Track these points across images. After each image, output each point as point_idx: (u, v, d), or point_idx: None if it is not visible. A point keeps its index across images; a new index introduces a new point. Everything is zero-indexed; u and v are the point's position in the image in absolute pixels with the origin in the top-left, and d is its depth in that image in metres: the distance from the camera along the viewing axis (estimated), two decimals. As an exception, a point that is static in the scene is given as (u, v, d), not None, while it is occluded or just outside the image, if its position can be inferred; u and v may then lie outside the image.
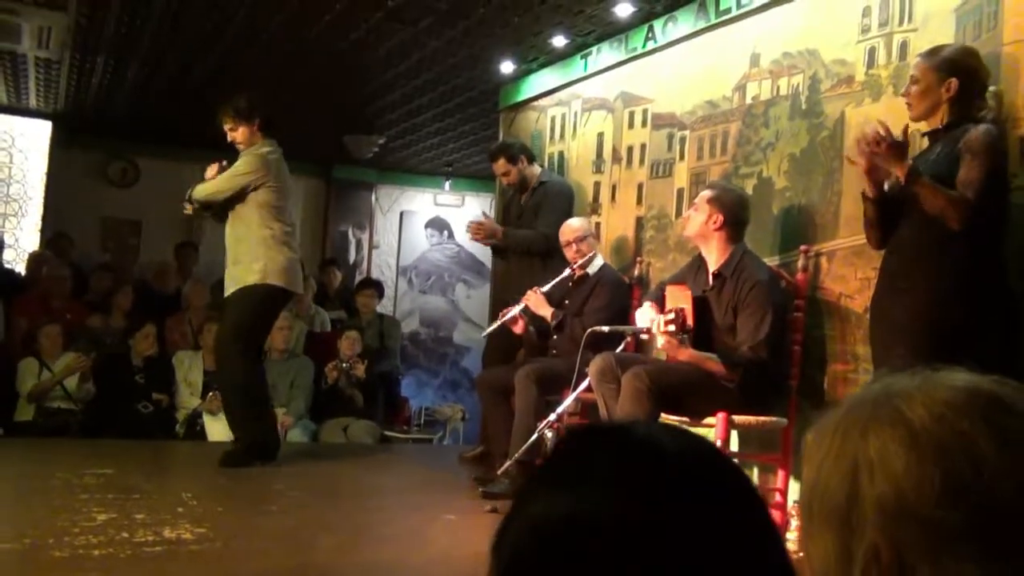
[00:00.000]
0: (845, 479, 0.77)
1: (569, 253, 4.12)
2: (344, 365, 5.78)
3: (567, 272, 4.11)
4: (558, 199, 4.53)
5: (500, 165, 4.66)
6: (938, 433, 0.73)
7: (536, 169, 4.73)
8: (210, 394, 5.41)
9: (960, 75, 2.58)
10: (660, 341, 3.18)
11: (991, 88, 2.66)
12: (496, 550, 0.62)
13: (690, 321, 3.18)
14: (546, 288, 4.10)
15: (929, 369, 0.81)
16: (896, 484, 0.73)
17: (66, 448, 4.53)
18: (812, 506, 0.81)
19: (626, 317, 3.99)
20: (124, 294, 6.16)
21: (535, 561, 0.59)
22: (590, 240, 4.17)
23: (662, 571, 0.57)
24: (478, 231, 4.57)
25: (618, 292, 4.11)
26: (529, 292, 4.11)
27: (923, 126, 2.70)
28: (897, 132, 2.54)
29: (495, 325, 4.32)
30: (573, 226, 4.16)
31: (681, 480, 0.61)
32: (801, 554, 0.85)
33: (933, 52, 2.66)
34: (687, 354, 3.12)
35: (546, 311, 4.08)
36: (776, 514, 3.18)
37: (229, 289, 4.16)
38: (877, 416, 0.77)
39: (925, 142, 2.72)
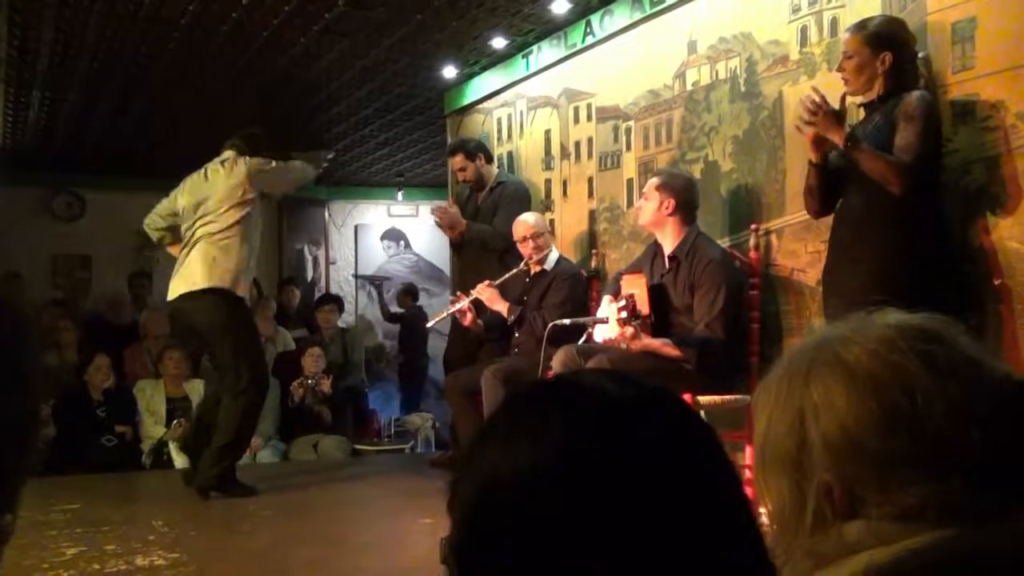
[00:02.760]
0: (793, 425, 0.80)
1: (525, 250, 4.10)
2: (309, 382, 5.75)
3: (521, 267, 4.10)
4: (516, 200, 4.54)
5: (457, 161, 4.66)
6: (873, 368, 0.76)
7: (494, 169, 4.74)
8: (175, 422, 5.34)
9: (894, 48, 2.64)
10: (615, 330, 3.21)
11: (920, 55, 2.74)
12: (451, 508, 0.64)
13: (643, 307, 3.21)
14: (498, 282, 4.10)
15: (864, 314, 0.84)
16: (839, 421, 0.76)
17: (30, 487, 4.40)
18: (764, 454, 0.84)
19: (584, 309, 4.02)
20: (67, 329, 6.02)
21: (486, 517, 0.60)
22: (546, 236, 4.17)
23: (616, 519, 0.57)
24: (443, 216, 4.56)
25: (576, 285, 4.12)
26: (481, 286, 4.10)
27: (859, 97, 2.76)
28: (833, 101, 2.60)
29: (439, 318, 4.32)
30: (528, 222, 4.15)
31: (629, 427, 0.61)
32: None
33: (862, 25, 2.72)
34: (641, 344, 3.15)
35: (501, 306, 4.08)
36: (747, 490, 3.22)
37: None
38: (817, 362, 0.80)
39: (862, 113, 2.79)
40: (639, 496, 0.58)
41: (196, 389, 5.56)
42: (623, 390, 0.64)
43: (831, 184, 2.75)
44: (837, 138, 2.55)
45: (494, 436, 0.64)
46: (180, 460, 5.19)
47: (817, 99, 2.55)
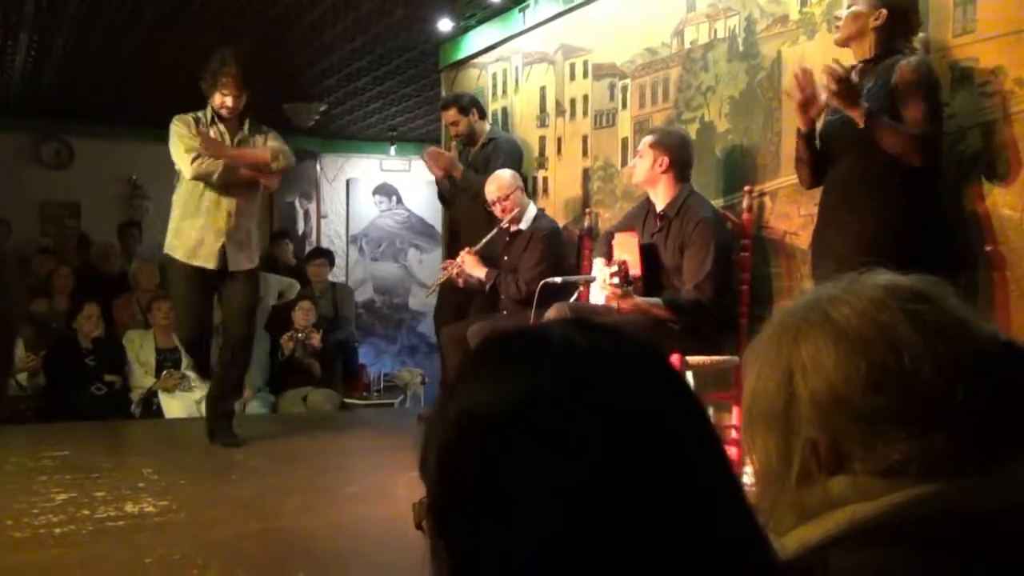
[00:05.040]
0: (781, 383, 0.81)
1: (496, 212, 4.10)
2: (299, 336, 5.75)
3: (495, 231, 4.08)
4: (507, 156, 4.52)
5: (450, 115, 4.63)
6: (862, 327, 0.76)
7: (486, 125, 4.72)
8: (164, 372, 5.35)
9: (890, 8, 2.63)
10: (607, 292, 3.21)
11: (921, 35, 2.72)
12: (424, 464, 0.64)
13: (635, 270, 3.22)
14: (477, 248, 4.10)
15: (855, 274, 0.85)
16: (827, 379, 0.77)
17: (20, 434, 4.45)
18: (752, 411, 0.85)
19: (563, 267, 4.01)
20: (62, 276, 6.03)
21: (460, 454, 0.61)
22: (514, 196, 4.10)
23: (575, 455, 0.58)
24: (438, 158, 4.52)
25: (552, 244, 4.07)
26: (462, 254, 4.11)
27: (851, 57, 2.74)
28: (852, 74, 2.59)
29: (435, 285, 4.33)
30: (499, 183, 4.11)
31: (590, 372, 0.61)
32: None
33: None
34: (632, 304, 3.16)
35: (480, 272, 4.07)
36: (731, 450, 3.26)
37: (242, 265, 4.00)
38: (807, 321, 0.81)
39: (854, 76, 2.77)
40: (600, 443, 0.58)
41: (186, 340, 5.57)
42: (589, 338, 0.64)
43: (821, 152, 2.75)
44: (855, 113, 2.52)
45: (466, 377, 0.64)
46: (169, 410, 5.22)
47: (841, 71, 2.51)
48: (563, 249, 4.15)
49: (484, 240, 4.09)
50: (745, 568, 0.60)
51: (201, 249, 3.92)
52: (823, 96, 2.64)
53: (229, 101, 3.89)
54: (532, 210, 4.18)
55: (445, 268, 4.26)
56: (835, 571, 0.69)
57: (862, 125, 2.52)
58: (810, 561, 0.72)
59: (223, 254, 3.91)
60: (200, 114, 3.99)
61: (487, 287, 4.07)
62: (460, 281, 4.17)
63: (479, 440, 0.60)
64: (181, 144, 3.89)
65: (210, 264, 3.91)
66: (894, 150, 2.51)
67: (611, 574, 0.57)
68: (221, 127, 3.97)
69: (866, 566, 0.69)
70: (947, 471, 0.72)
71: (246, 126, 4.02)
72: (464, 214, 4.59)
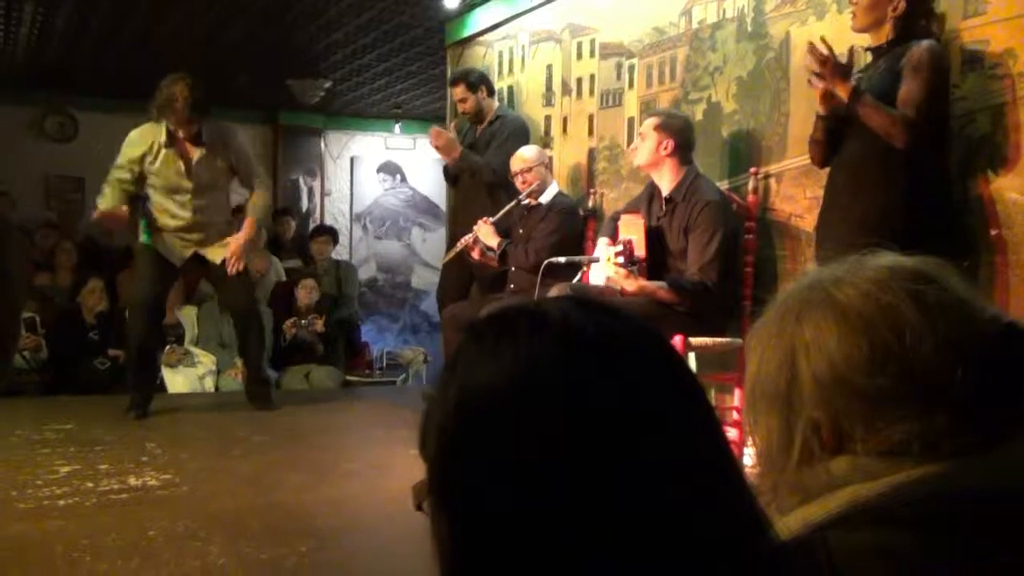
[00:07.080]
0: (784, 363, 0.81)
1: (518, 183, 4.10)
2: (303, 322, 5.74)
3: (514, 202, 4.08)
4: (512, 135, 4.49)
5: (459, 91, 4.60)
6: (865, 308, 0.76)
7: (494, 103, 4.69)
8: (168, 347, 5.36)
9: None
10: (611, 272, 3.21)
11: (936, 13, 2.69)
12: (424, 443, 0.64)
13: (639, 251, 3.21)
14: (495, 219, 4.10)
15: (859, 255, 0.84)
16: (829, 359, 0.77)
17: (24, 407, 4.48)
18: (755, 392, 0.85)
19: (578, 245, 4.00)
20: (64, 251, 6.05)
21: (459, 431, 0.61)
22: (537, 170, 4.10)
23: (573, 432, 0.58)
24: (439, 137, 4.51)
25: (569, 219, 4.08)
26: (480, 222, 4.11)
27: (866, 40, 2.72)
28: (840, 51, 2.57)
29: (452, 253, 4.32)
30: (523, 157, 4.11)
31: (585, 350, 0.61)
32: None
33: None
34: (636, 286, 3.16)
35: (494, 242, 4.08)
36: (734, 432, 3.27)
37: (220, 254, 4.19)
38: (810, 302, 0.80)
39: (868, 57, 2.75)
40: (598, 420, 0.58)
41: (189, 315, 5.58)
42: (587, 315, 0.63)
43: (837, 133, 2.73)
44: (843, 91, 2.53)
45: (462, 357, 0.64)
46: (173, 385, 5.24)
47: (825, 51, 2.51)
48: (578, 228, 4.15)
49: (503, 211, 4.09)
50: (745, 550, 0.60)
51: (170, 245, 4.17)
52: (820, 84, 2.61)
53: (180, 133, 4.03)
54: (554, 188, 4.16)
55: (459, 243, 4.24)
56: (836, 551, 0.69)
57: (847, 101, 2.52)
58: (811, 541, 0.72)
59: (192, 251, 4.17)
60: (159, 137, 4.07)
61: (497, 253, 4.07)
62: (476, 252, 4.16)
63: (478, 417, 0.60)
64: (120, 160, 4.11)
65: (176, 261, 4.20)
66: (878, 130, 2.51)
67: (609, 553, 0.57)
68: (173, 151, 4.06)
69: (867, 546, 0.69)
70: (948, 451, 0.72)
71: (203, 148, 4.09)
72: (467, 197, 4.58)
